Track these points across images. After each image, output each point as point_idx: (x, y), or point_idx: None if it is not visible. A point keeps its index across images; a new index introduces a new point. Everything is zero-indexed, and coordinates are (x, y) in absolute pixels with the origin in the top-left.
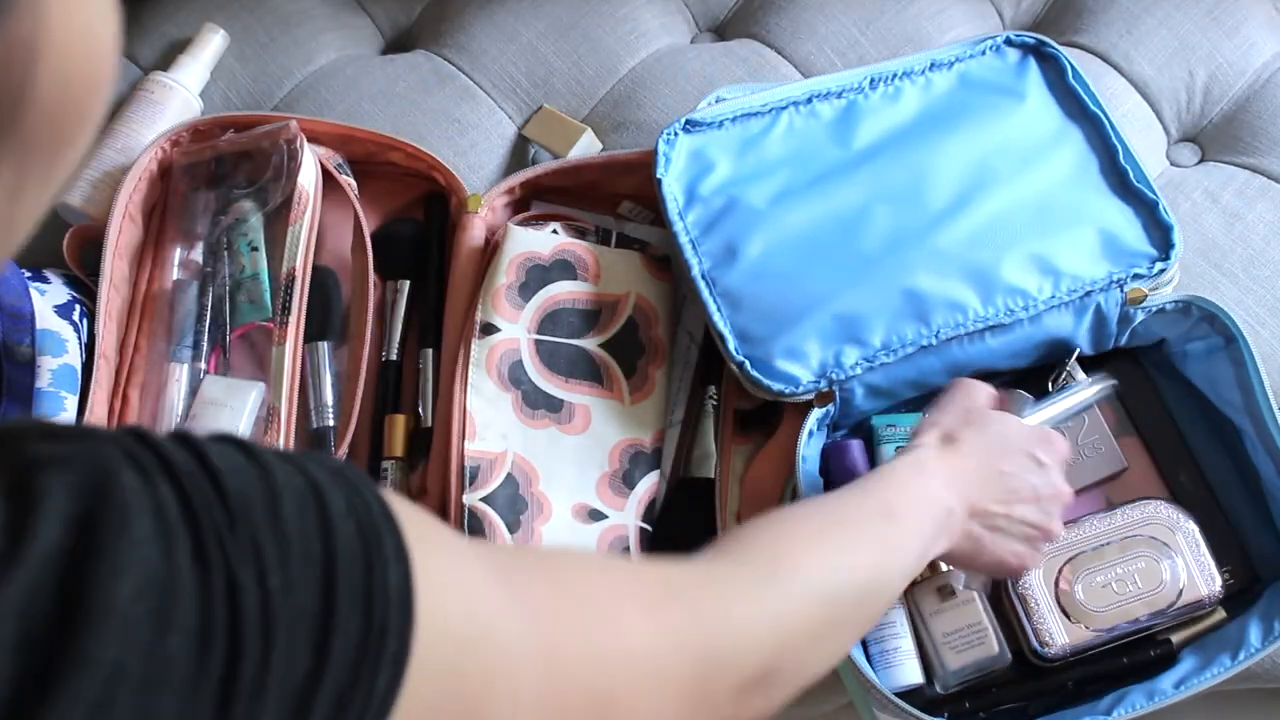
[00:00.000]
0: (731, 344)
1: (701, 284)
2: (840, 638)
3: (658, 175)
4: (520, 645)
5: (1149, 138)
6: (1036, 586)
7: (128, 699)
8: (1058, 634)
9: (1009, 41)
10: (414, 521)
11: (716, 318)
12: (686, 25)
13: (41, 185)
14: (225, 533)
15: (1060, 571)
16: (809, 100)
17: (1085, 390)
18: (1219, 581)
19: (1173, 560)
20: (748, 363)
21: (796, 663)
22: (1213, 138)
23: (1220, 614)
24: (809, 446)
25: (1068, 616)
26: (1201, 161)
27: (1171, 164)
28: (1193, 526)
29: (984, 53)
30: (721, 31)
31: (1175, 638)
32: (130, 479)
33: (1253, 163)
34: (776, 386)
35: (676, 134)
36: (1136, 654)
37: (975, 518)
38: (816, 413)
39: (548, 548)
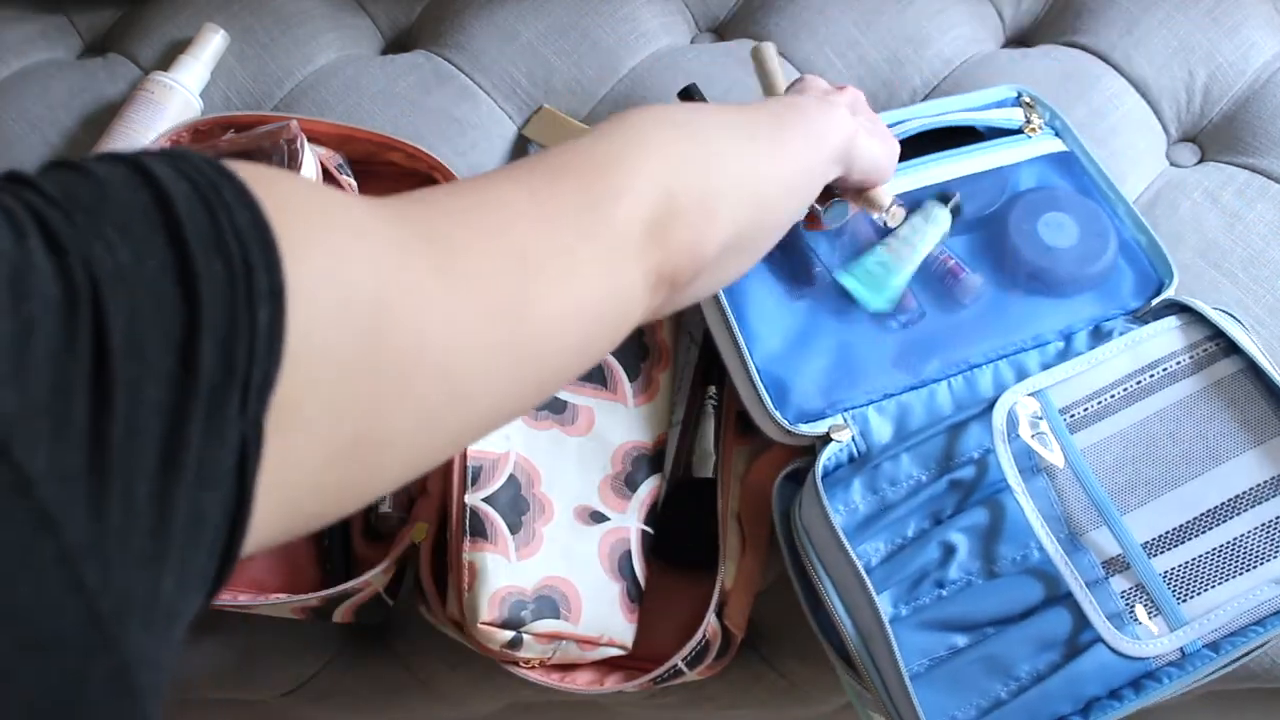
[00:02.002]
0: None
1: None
2: (733, 169)
3: None
4: (424, 282)
5: (1148, 138)
6: None
7: None
8: None
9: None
10: (259, 176)
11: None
12: (686, 25)
13: None
14: (64, 225)
15: None
16: None
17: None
18: None
19: None
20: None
21: (694, 202)
22: (1212, 138)
23: None
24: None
25: None
26: (1201, 161)
27: (1171, 164)
28: None
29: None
30: (721, 31)
31: None
32: None
33: (1253, 163)
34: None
35: None
36: None
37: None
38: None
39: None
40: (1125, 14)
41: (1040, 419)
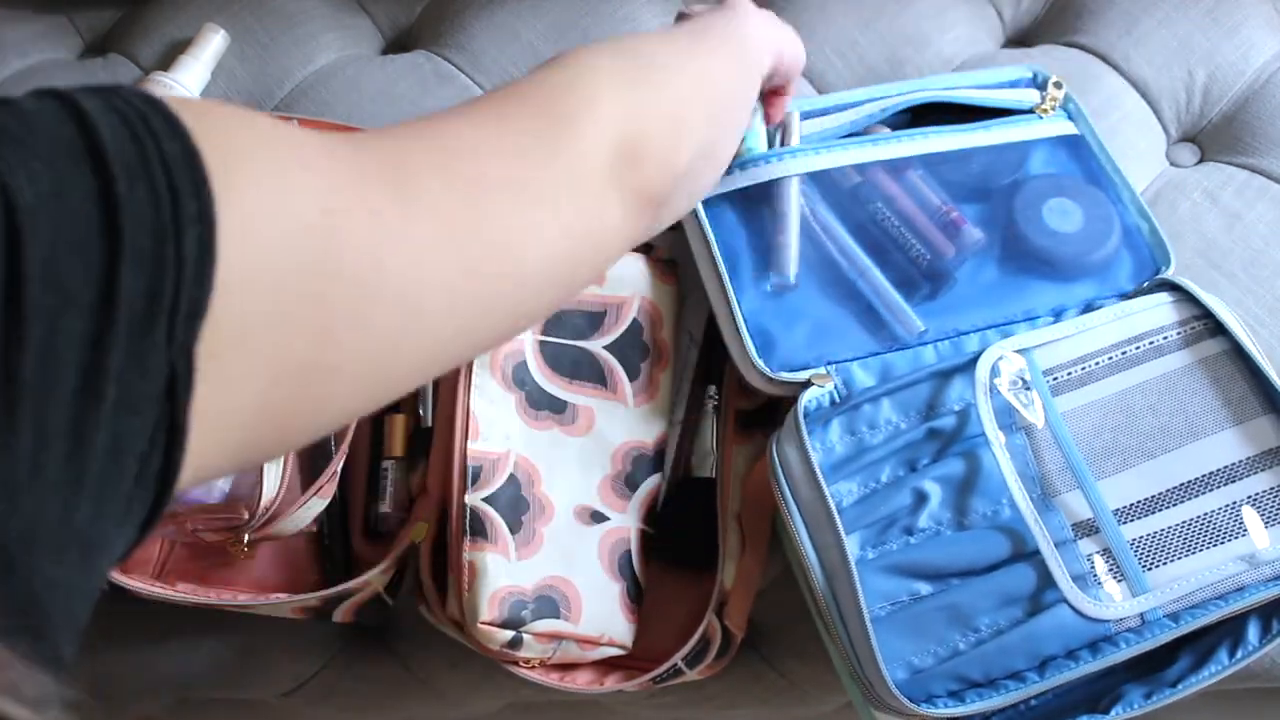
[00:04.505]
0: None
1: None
2: (687, 79)
3: None
4: (376, 210)
5: (1148, 138)
6: None
7: None
8: None
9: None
10: (192, 106)
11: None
12: None
13: None
14: None
15: None
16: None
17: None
18: None
19: None
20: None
21: (659, 130)
22: (1212, 138)
23: None
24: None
25: None
26: (1201, 162)
27: (1171, 164)
28: None
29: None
30: None
31: None
32: None
33: (1252, 163)
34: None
35: None
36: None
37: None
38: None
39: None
40: (1125, 14)
41: (1023, 377)
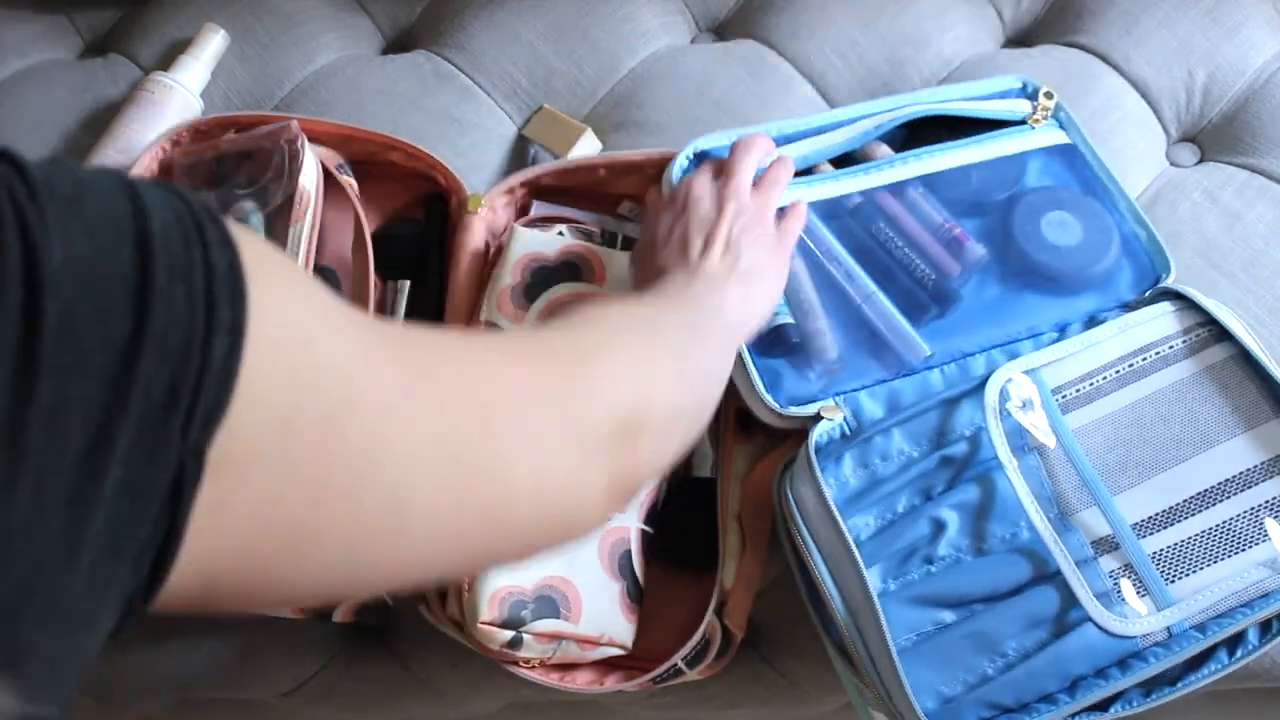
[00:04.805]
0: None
1: None
2: (691, 379)
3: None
4: (391, 396)
5: (1148, 138)
6: None
7: None
8: None
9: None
10: (247, 235)
11: None
12: (686, 25)
13: None
14: (25, 201)
15: None
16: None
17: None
18: None
19: None
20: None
21: (660, 416)
22: (1212, 138)
23: None
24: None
25: None
26: (1201, 161)
27: (1171, 164)
28: None
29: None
30: (721, 31)
31: None
32: None
33: (1252, 163)
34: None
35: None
36: None
37: (725, 288)
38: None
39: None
40: (1125, 14)
41: (1033, 398)
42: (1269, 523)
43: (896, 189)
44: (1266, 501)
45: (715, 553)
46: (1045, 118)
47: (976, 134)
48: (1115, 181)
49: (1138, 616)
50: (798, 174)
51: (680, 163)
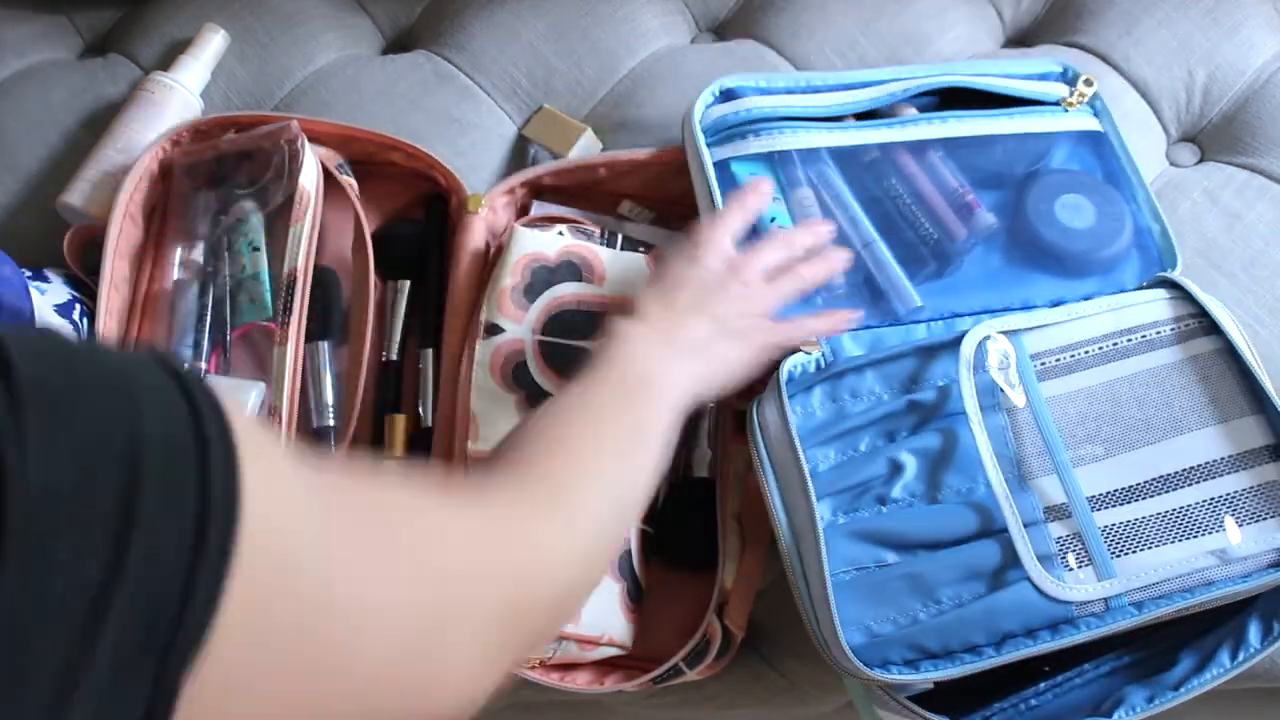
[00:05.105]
0: None
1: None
2: (605, 560)
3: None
4: (344, 574)
5: (1148, 138)
6: None
7: None
8: None
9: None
10: (246, 428)
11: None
12: (686, 25)
13: None
14: (3, 411)
15: None
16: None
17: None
18: None
19: None
20: None
21: (582, 588)
22: (1212, 138)
23: None
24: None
25: None
26: (1201, 161)
27: (1171, 164)
28: None
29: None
30: (721, 31)
31: None
32: None
33: (1252, 163)
34: None
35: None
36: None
37: (689, 358)
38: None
39: (364, 477)
40: (1125, 14)
41: (1010, 360)
42: (1227, 518)
43: (917, 148)
44: (1227, 495)
45: (715, 553)
46: (1080, 103)
47: (1008, 108)
48: (1139, 174)
49: (1077, 583)
50: (819, 120)
51: (705, 98)
